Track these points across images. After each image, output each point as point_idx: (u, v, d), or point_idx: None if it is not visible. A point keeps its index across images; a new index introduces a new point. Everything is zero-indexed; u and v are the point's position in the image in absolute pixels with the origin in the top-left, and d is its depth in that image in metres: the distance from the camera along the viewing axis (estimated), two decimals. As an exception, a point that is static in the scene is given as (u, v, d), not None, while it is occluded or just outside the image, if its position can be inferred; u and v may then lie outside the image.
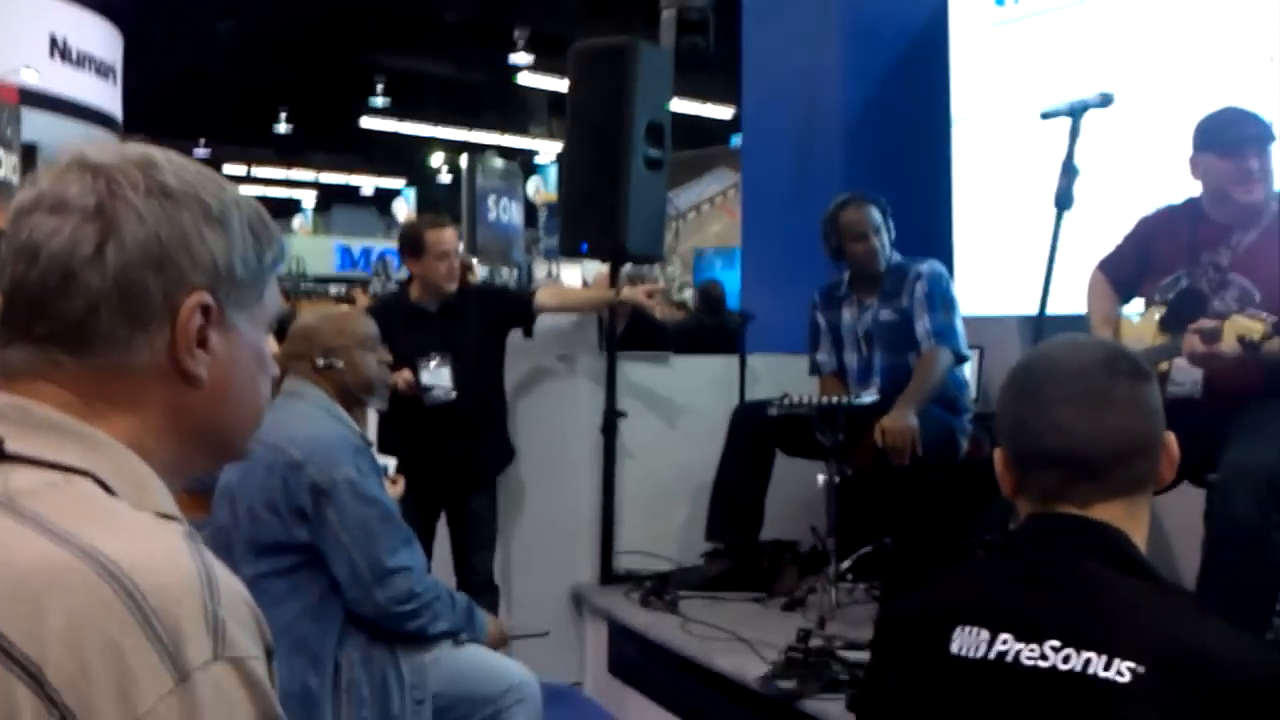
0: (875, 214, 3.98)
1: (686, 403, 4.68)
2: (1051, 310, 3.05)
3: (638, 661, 4.02)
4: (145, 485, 0.92)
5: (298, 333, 2.77)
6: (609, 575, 4.42)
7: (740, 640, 3.51)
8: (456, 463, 4.11)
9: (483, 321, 4.21)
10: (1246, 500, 2.59)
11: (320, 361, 2.71)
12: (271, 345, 3.47)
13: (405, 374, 3.88)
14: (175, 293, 0.93)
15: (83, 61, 9.63)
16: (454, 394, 4.01)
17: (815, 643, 3.25)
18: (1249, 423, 2.78)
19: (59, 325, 0.91)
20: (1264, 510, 2.59)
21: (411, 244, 4.11)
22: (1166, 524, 3.77)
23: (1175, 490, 3.07)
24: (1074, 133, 2.87)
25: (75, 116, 9.63)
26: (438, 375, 4.00)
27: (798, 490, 4.16)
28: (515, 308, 4.35)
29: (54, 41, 9.29)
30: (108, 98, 10.08)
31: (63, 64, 9.33)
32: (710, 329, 7.46)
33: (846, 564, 3.86)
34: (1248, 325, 2.72)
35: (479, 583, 4.15)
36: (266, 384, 1.06)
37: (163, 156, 0.97)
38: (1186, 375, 2.98)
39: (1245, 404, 2.84)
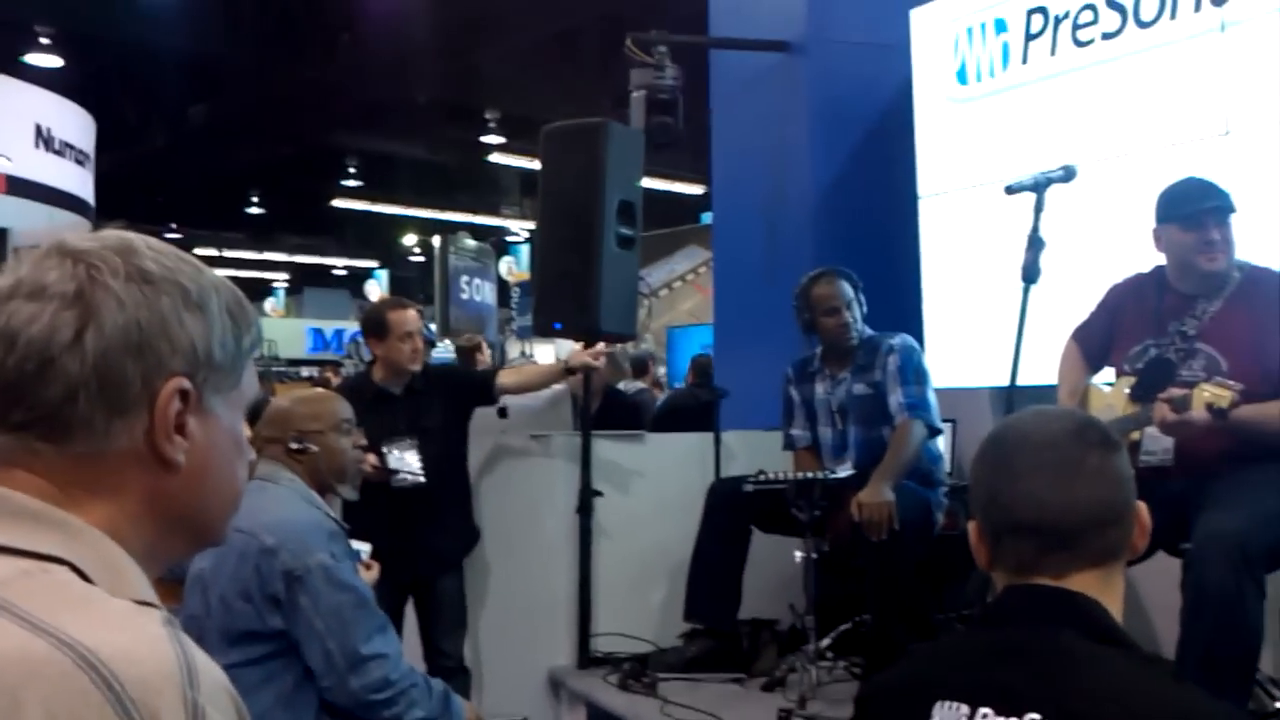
0: (847, 288, 4.02)
1: (662, 481, 4.66)
2: (1023, 381, 3.09)
3: (617, 745, 3.95)
4: (123, 572, 0.91)
5: (272, 416, 2.75)
6: (586, 658, 4.36)
7: (721, 722, 3.47)
8: (424, 546, 4.10)
9: (446, 403, 4.25)
10: (1221, 568, 2.60)
11: (294, 445, 2.69)
12: (244, 429, 3.43)
13: (371, 458, 3.86)
14: (154, 378, 0.93)
15: (63, 150, 9.68)
16: (422, 478, 4.02)
17: (796, 722, 3.22)
18: (1221, 491, 2.80)
19: (37, 412, 0.91)
20: (1239, 578, 2.60)
21: (375, 326, 4.15)
22: (1143, 593, 3.76)
23: (1151, 559, 3.08)
24: (1039, 206, 2.93)
25: (48, 202, 9.65)
26: (405, 459, 4.01)
27: (775, 567, 4.15)
28: (476, 388, 4.38)
29: (39, 131, 9.34)
30: (81, 184, 10.11)
31: (45, 152, 9.38)
32: (706, 405, 7.46)
33: (826, 641, 3.83)
34: (1216, 393, 2.76)
35: (450, 666, 4.11)
36: (244, 468, 1.06)
37: (142, 242, 0.97)
38: (1158, 444, 3.01)
39: (1217, 472, 2.87)
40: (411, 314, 4.19)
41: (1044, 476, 1.31)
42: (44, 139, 9.37)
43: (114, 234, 0.97)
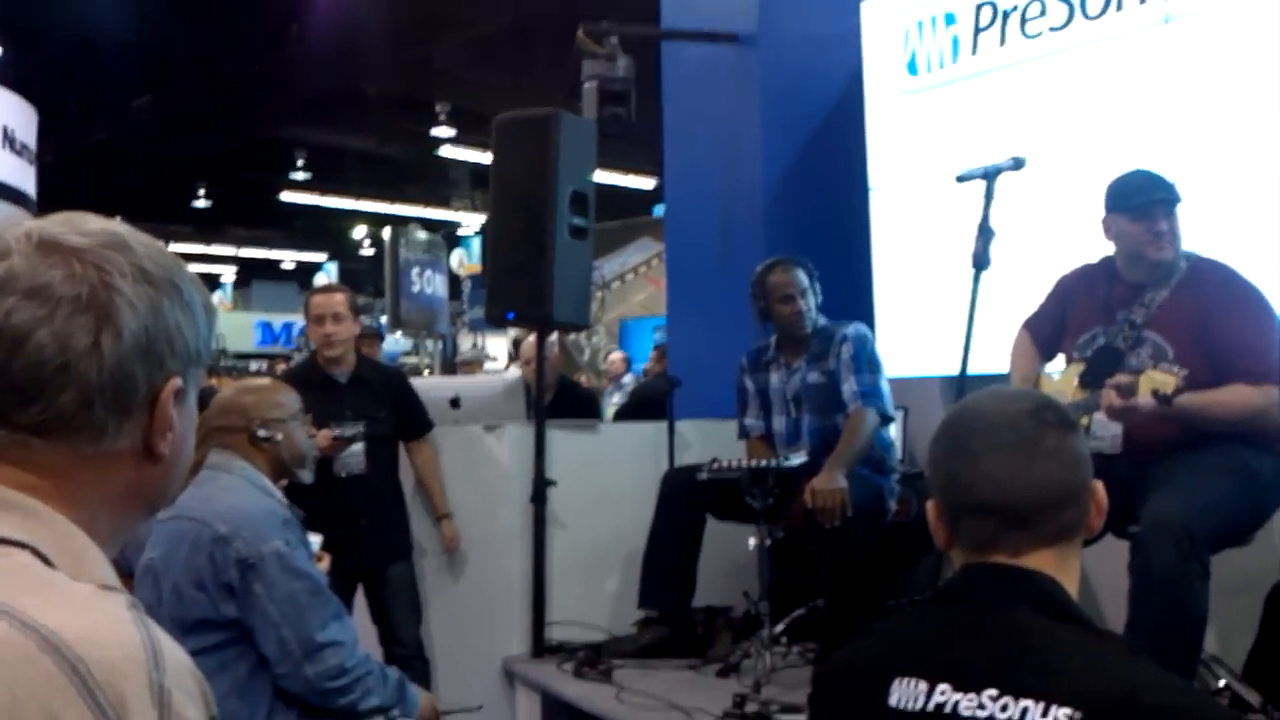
0: (802, 276, 4.05)
1: (616, 470, 4.67)
2: (973, 370, 3.13)
3: (573, 733, 3.96)
4: (84, 557, 0.91)
5: (228, 406, 2.73)
6: (541, 647, 4.36)
7: (676, 708, 3.47)
8: (370, 535, 4.11)
9: (391, 405, 4.29)
10: (1167, 551, 2.64)
11: (261, 433, 2.67)
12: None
13: (325, 432, 3.87)
14: (155, 379, 0.94)
15: (21, 150, 9.48)
16: (364, 464, 4.03)
17: (751, 708, 3.25)
18: (1167, 475, 2.85)
19: (49, 415, 0.90)
20: (1185, 560, 2.64)
21: (305, 310, 4.16)
22: (1092, 576, 3.82)
23: (1100, 543, 3.14)
24: (989, 195, 2.96)
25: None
26: (353, 432, 4.01)
27: (730, 555, 4.17)
28: (413, 420, 4.39)
29: (5, 132, 9.15)
30: (22, 176, 9.92)
31: (8, 153, 9.18)
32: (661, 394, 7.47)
33: (780, 627, 3.86)
34: (1161, 379, 2.81)
35: (406, 655, 4.13)
36: (194, 443, 1.07)
37: (129, 235, 0.97)
38: (1106, 430, 3.06)
39: (1164, 457, 2.92)
40: (318, 298, 4.22)
41: (1002, 456, 1.33)
42: (8, 139, 9.19)
43: (97, 224, 0.96)
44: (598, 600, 4.51)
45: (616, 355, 10.90)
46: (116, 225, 0.97)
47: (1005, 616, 1.29)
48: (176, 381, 0.95)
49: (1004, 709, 1.21)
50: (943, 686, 1.26)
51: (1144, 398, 2.84)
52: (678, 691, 3.62)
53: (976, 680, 1.24)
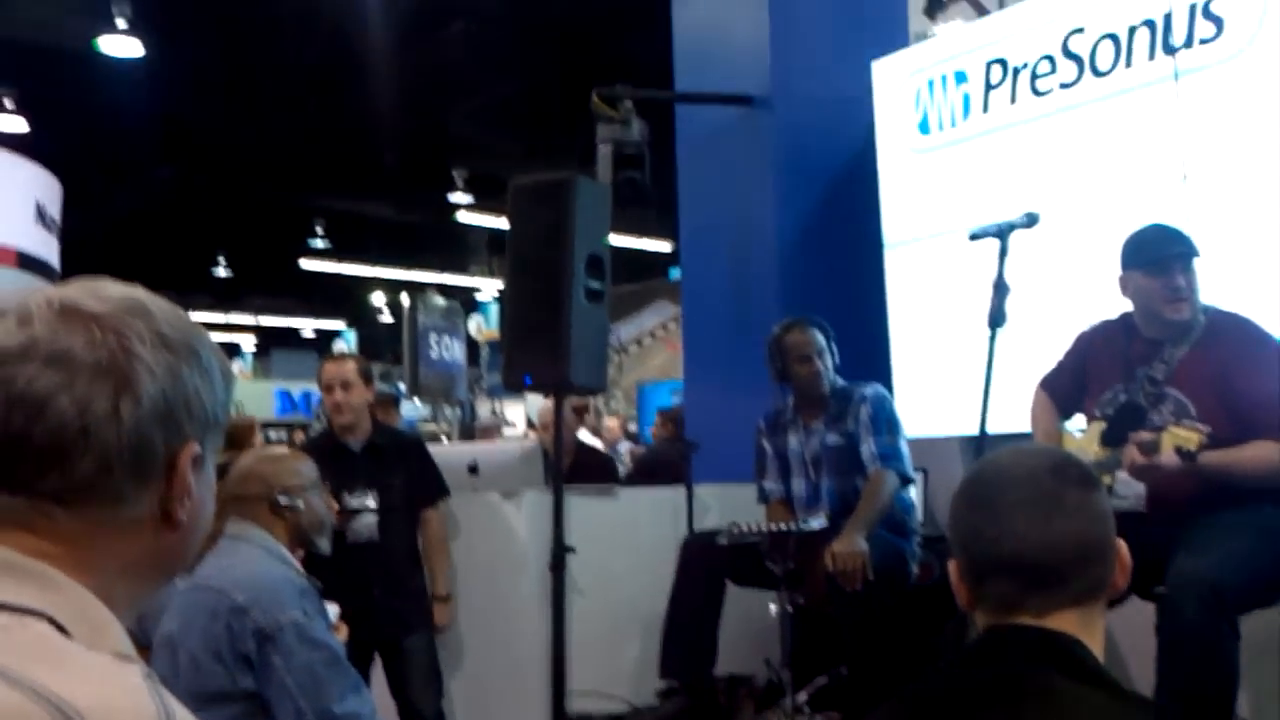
0: (819, 337, 4.05)
1: (635, 536, 4.64)
2: (992, 429, 3.10)
3: (595, 806, 3.89)
4: (101, 626, 0.91)
5: (248, 474, 2.72)
6: (562, 717, 4.30)
7: (700, 778, 3.43)
8: (385, 605, 4.07)
9: (405, 470, 4.26)
10: (1195, 611, 2.61)
11: (283, 501, 2.67)
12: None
13: (332, 501, 3.85)
14: (174, 445, 0.94)
15: (50, 224, 9.62)
16: (376, 534, 4.01)
17: (776, 778, 3.19)
18: (1194, 534, 2.81)
19: (68, 482, 0.90)
20: (1214, 620, 2.61)
21: (318, 379, 4.18)
22: (1117, 638, 3.77)
23: (1125, 605, 3.09)
24: (1003, 252, 2.96)
25: (17, 265, 9.55)
26: (358, 506, 4.01)
27: (751, 621, 4.12)
28: (428, 487, 4.34)
29: (39, 209, 9.28)
30: (48, 248, 10.05)
31: (41, 228, 9.32)
32: (679, 456, 7.45)
33: (803, 696, 3.80)
34: (1185, 435, 2.78)
35: (427, 725, 4.06)
36: (214, 508, 1.06)
37: (148, 300, 0.98)
38: (1130, 489, 3.02)
39: (1189, 515, 2.88)
40: (330, 367, 4.23)
41: (1024, 513, 1.31)
42: (40, 214, 9.33)
43: (117, 290, 0.97)
44: (618, 669, 4.46)
45: (612, 421, 10.86)
46: (136, 291, 0.98)
47: (1030, 680, 1.26)
48: (195, 447, 0.95)
49: None
50: None
51: (1167, 455, 2.81)
52: (701, 761, 3.57)
53: None
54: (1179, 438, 2.79)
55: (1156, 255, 3.08)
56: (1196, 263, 3.10)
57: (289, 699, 2.45)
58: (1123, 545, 1.37)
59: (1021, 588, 1.31)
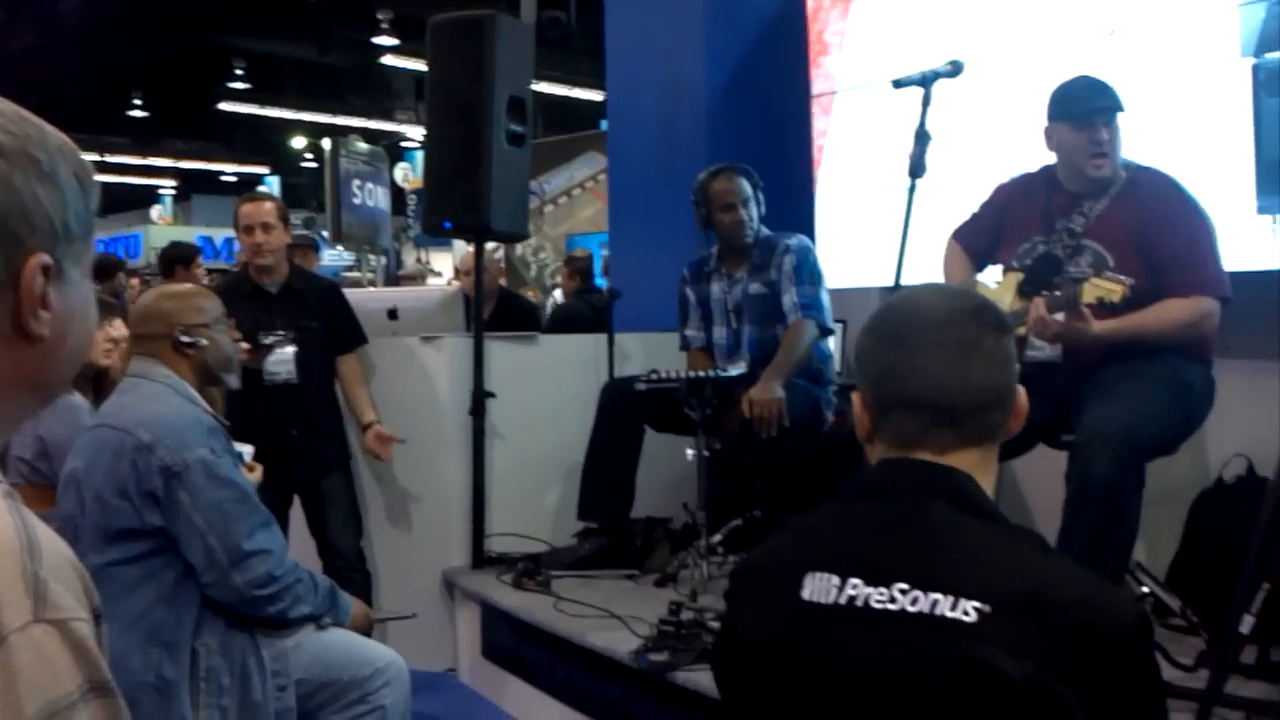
0: (745, 185, 4.01)
1: (556, 382, 4.65)
2: (908, 281, 3.11)
3: (511, 644, 3.98)
4: None
5: (149, 313, 2.66)
6: (481, 558, 4.37)
7: (613, 617, 3.50)
8: (303, 445, 4.06)
9: (322, 315, 4.18)
10: (1106, 461, 2.66)
11: (182, 339, 2.61)
12: (119, 329, 3.33)
13: (243, 344, 3.80)
14: (15, 258, 0.90)
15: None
16: (295, 376, 3.98)
17: (686, 615, 3.26)
18: (1106, 384, 2.86)
19: None
20: (1122, 470, 2.66)
21: (235, 220, 4.06)
22: (1025, 485, 3.88)
23: (1033, 452, 3.17)
24: (925, 101, 2.93)
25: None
26: (279, 354, 3.96)
27: (669, 466, 4.18)
28: (342, 334, 4.26)
29: None
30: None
31: None
32: (600, 311, 7.41)
33: (718, 537, 3.88)
34: (1108, 287, 2.80)
35: (344, 566, 4.09)
36: (94, 327, 1.04)
37: None
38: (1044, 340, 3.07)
39: (1101, 366, 2.93)
40: (247, 207, 4.09)
41: (943, 354, 1.32)
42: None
43: None
44: (537, 512, 4.52)
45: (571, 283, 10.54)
46: None
47: (920, 511, 1.28)
48: (41, 258, 0.91)
49: (914, 602, 1.21)
50: (854, 580, 1.25)
51: (1062, 319, 2.85)
52: (615, 601, 3.65)
53: (887, 574, 1.24)
54: (1101, 289, 2.81)
55: (1083, 108, 3.07)
56: (1121, 118, 3.09)
57: (197, 535, 2.45)
58: (1021, 391, 1.39)
59: (926, 425, 1.32)
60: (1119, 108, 3.09)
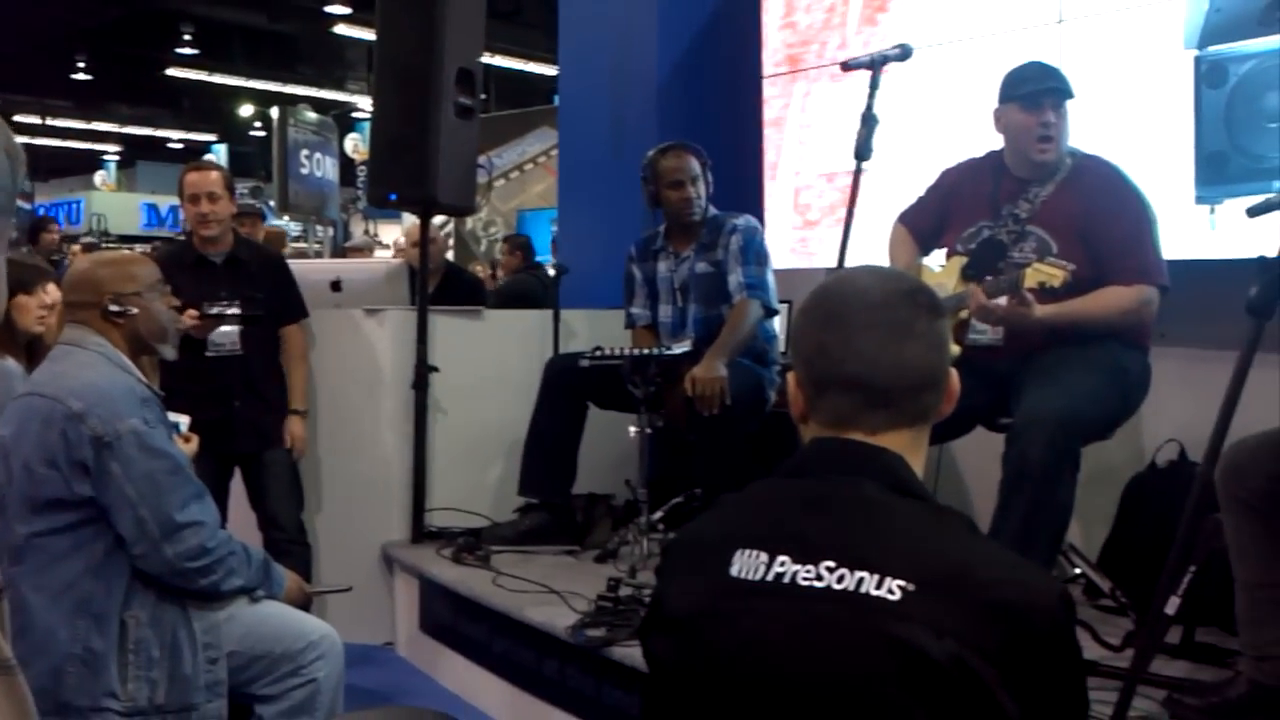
0: (694, 163, 4.01)
1: (500, 358, 4.63)
2: (854, 262, 3.12)
3: (449, 618, 3.97)
4: None
5: (80, 280, 2.60)
6: (420, 533, 4.35)
7: (551, 592, 3.51)
8: (245, 417, 4.03)
9: (269, 285, 4.14)
10: (1042, 445, 2.69)
11: (112, 308, 2.56)
12: (53, 294, 3.25)
13: (191, 311, 3.76)
14: None
15: None
16: (239, 344, 3.93)
17: (625, 591, 3.27)
18: (1044, 369, 2.90)
19: None
20: (1057, 454, 2.70)
21: (179, 189, 3.99)
22: (963, 467, 3.92)
23: (971, 434, 3.20)
24: (874, 84, 2.93)
25: None
26: (222, 312, 3.91)
27: (612, 443, 4.18)
28: (285, 305, 4.21)
29: None
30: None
31: None
32: (541, 288, 7.40)
33: (659, 515, 3.88)
34: (1049, 272, 2.83)
35: (285, 538, 4.06)
36: (3, 300, 1.00)
37: None
38: (986, 324, 3.09)
39: (1040, 350, 2.96)
40: (193, 176, 4.03)
41: (877, 334, 1.32)
42: None
43: None
44: (479, 487, 4.51)
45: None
46: None
47: (849, 490, 1.29)
48: None
49: (840, 580, 1.21)
50: (782, 557, 1.25)
51: (1005, 302, 2.87)
52: (555, 576, 3.65)
53: (815, 551, 1.24)
54: (1043, 274, 2.84)
55: (1031, 89, 3.09)
56: (1068, 107, 3.11)
57: (129, 506, 2.41)
58: (954, 374, 1.39)
59: (859, 405, 1.33)
60: (1068, 93, 3.11)
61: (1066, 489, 2.75)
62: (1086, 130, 3.31)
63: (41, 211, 16.88)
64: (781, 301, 4.20)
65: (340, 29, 15.15)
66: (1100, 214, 3.02)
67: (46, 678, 2.37)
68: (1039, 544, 2.75)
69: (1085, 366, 2.89)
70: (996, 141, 3.25)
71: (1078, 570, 3.20)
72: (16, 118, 20.57)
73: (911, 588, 1.18)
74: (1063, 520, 2.81)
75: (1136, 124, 3.61)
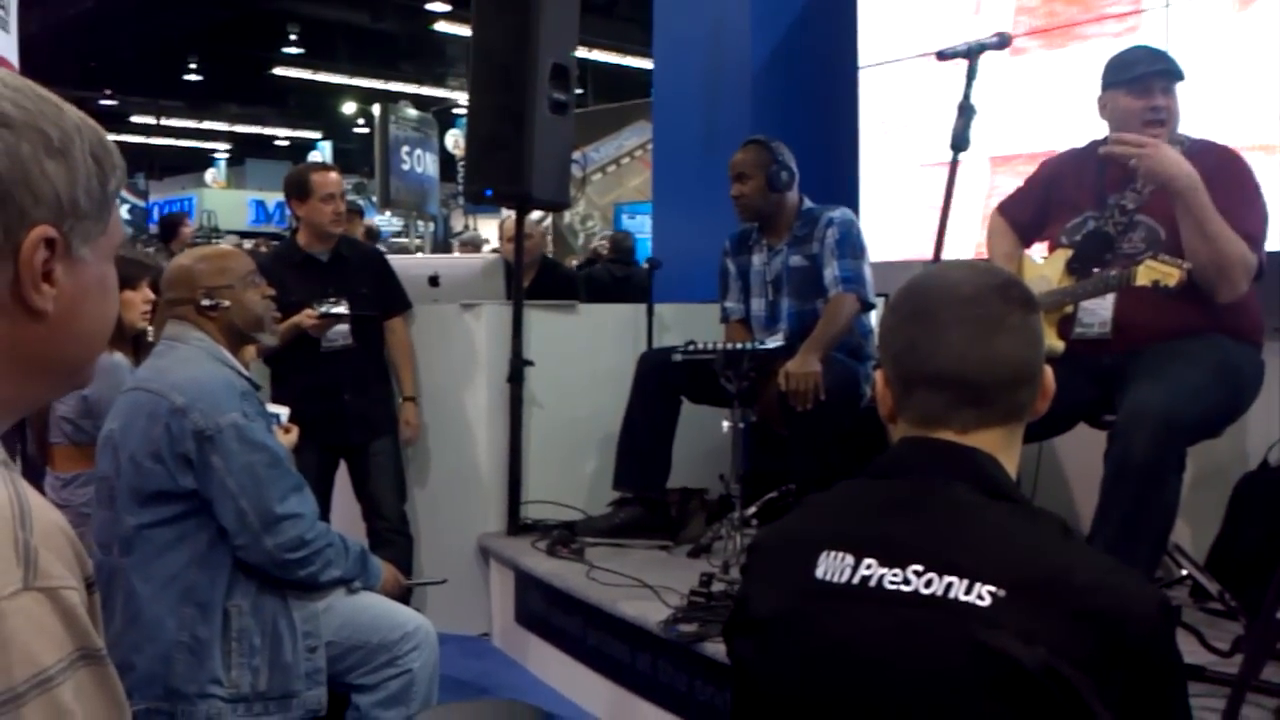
0: (755, 156, 3.95)
1: (594, 351, 4.65)
2: (950, 255, 3.06)
3: (543, 610, 4.00)
4: None
5: (176, 277, 2.67)
6: (516, 525, 4.39)
7: (645, 586, 3.51)
8: (355, 410, 4.12)
9: (372, 280, 4.26)
10: (1146, 442, 2.61)
11: (205, 302, 2.63)
12: (146, 295, 3.32)
13: (308, 310, 3.90)
14: (16, 229, 0.89)
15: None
16: (351, 339, 4.04)
17: (718, 587, 3.26)
18: (1150, 363, 2.81)
19: None
20: (1162, 451, 2.61)
21: (297, 187, 4.11)
22: (1065, 466, 3.83)
23: (1074, 432, 3.12)
24: (971, 73, 2.86)
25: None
26: (338, 311, 4.01)
27: (705, 438, 4.16)
28: (389, 299, 4.32)
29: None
30: (5, 45, 9.70)
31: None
32: (619, 280, 7.44)
33: (752, 510, 3.86)
34: (1165, 270, 2.74)
35: (388, 528, 4.17)
36: (113, 311, 1.02)
37: None
38: (1094, 317, 3.02)
39: (1147, 346, 2.87)
40: (334, 176, 4.18)
41: (967, 329, 1.29)
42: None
43: None
44: (573, 481, 4.53)
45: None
46: None
47: (939, 491, 1.26)
48: (45, 230, 0.90)
49: (928, 584, 1.19)
50: (868, 560, 1.23)
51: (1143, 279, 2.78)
52: (648, 571, 3.65)
53: (903, 554, 1.22)
54: (1158, 272, 2.75)
55: (1140, 73, 2.99)
56: (1179, 90, 3.01)
57: (229, 499, 2.47)
58: (1049, 371, 1.35)
59: (949, 403, 1.30)
60: (1178, 74, 3.00)
61: (1171, 488, 2.66)
62: (1194, 118, 3.20)
63: (156, 209, 17.40)
64: (878, 295, 4.14)
65: (440, 26, 15.37)
66: (1214, 199, 2.90)
67: (156, 664, 2.44)
68: (1142, 545, 2.67)
69: (1194, 362, 2.79)
70: (1097, 131, 3.16)
71: (1184, 572, 3.10)
72: (133, 118, 21.26)
73: (1002, 593, 1.15)
74: (1167, 520, 2.72)
75: (1247, 110, 3.48)
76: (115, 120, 20.11)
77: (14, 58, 10.55)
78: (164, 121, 21.76)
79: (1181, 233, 2.84)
